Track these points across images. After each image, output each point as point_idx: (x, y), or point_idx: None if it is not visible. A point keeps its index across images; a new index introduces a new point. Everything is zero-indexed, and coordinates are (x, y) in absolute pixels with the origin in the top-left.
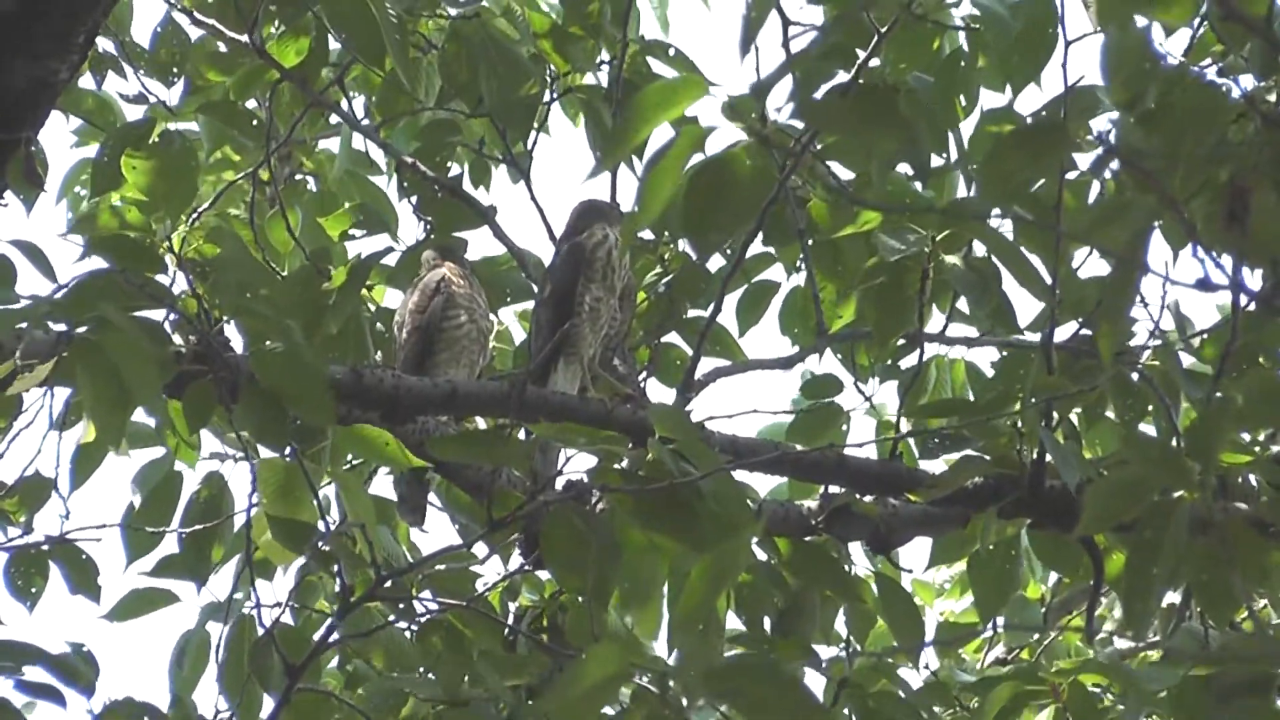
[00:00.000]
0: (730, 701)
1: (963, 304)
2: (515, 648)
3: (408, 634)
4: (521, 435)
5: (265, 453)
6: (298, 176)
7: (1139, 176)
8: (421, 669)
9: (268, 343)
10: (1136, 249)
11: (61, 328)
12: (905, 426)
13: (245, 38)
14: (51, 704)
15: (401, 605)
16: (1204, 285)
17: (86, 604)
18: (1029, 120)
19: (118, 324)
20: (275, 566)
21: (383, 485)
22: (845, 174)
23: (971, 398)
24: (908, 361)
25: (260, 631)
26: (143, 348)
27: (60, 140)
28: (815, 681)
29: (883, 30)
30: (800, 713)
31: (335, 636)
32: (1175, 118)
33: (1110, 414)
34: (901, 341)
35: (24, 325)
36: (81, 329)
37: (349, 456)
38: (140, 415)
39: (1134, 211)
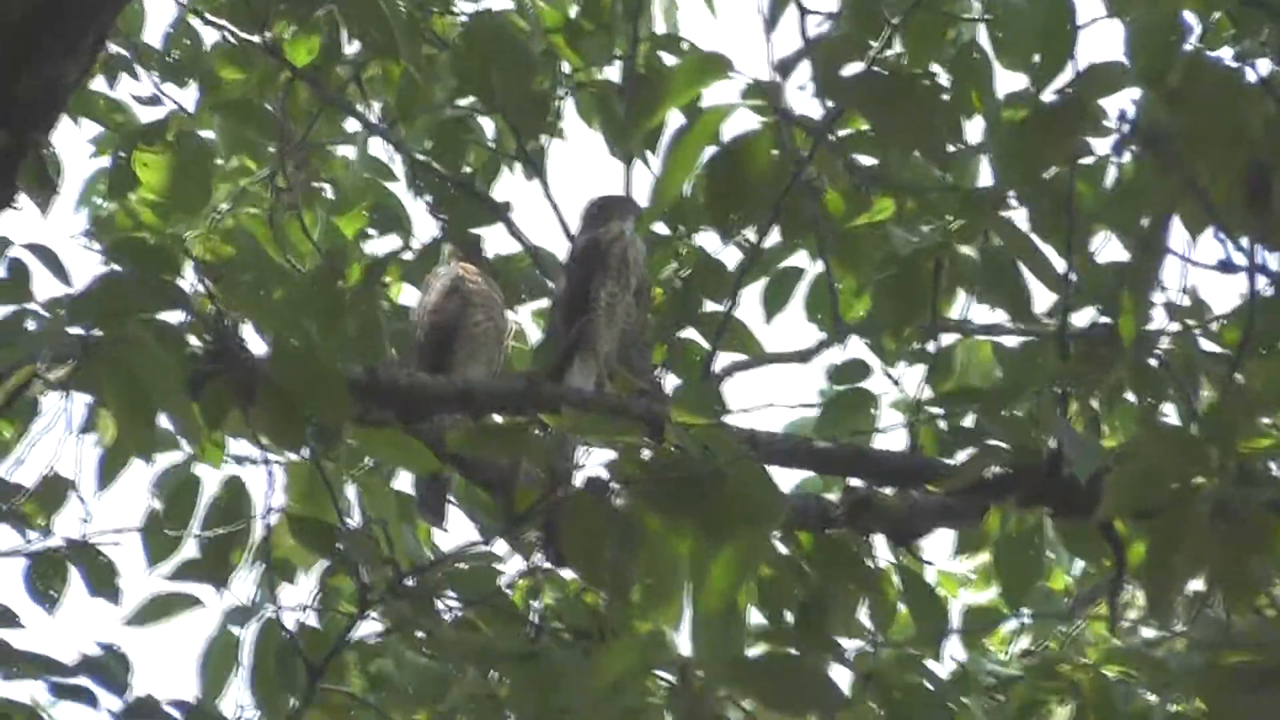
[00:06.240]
0: (753, 693)
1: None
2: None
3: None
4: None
5: (287, 454)
6: (313, 183)
7: (1161, 158)
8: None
9: (284, 342)
10: (1158, 232)
11: (79, 331)
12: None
13: (257, 38)
14: (84, 705)
15: (422, 604)
16: (1225, 267)
17: (107, 610)
18: (1047, 104)
19: (137, 336)
20: (297, 569)
21: (405, 483)
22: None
23: (1000, 376)
24: (933, 345)
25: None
26: (164, 357)
27: (79, 149)
28: (839, 674)
29: (895, 20)
30: (824, 704)
31: (355, 636)
32: (1198, 99)
33: (1131, 398)
34: (922, 329)
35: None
36: (98, 335)
37: (369, 458)
38: (163, 420)
39: (1155, 194)
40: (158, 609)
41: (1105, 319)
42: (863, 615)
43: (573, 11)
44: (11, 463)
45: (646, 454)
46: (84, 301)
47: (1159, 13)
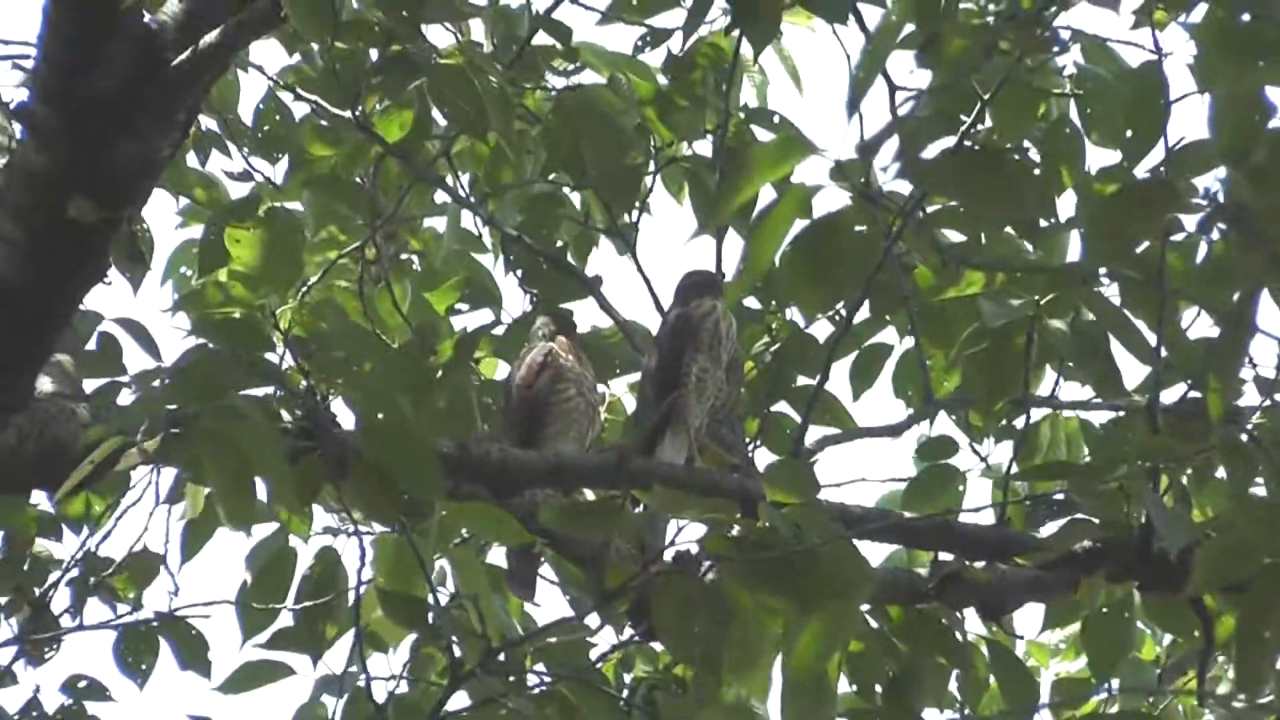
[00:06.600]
0: None
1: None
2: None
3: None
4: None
5: (378, 526)
6: (403, 256)
7: (1246, 235)
8: None
9: (377, 417)
10: (1245, 309)
11: (170, 406)
12: (1014, 489)
13: (348, 113)
14: None
15: (513, 678)
16: None
17: (197, 684)
18: (1136, 180)
19: (239, 408)
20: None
21: (497, 556)
22: (953, 238)
23: (1086, 452)
24: (1021, 421)
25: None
26: (265, 428)
27: (166, 221)
28: None
29: (987, 95)
30: None
31: (446, 709)
32: None
33: (1221, 475)
34: (1011, 404)
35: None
36: (196, 408)
37: (462, 531)
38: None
39: (1241, 271)
40: (251, 676)
41: (1195, 393)
42: (953, 688)
43: (661, 80)
44: (101, 536)
45: (737, 530)
46: (181, 378)
47: (1242, 89)
